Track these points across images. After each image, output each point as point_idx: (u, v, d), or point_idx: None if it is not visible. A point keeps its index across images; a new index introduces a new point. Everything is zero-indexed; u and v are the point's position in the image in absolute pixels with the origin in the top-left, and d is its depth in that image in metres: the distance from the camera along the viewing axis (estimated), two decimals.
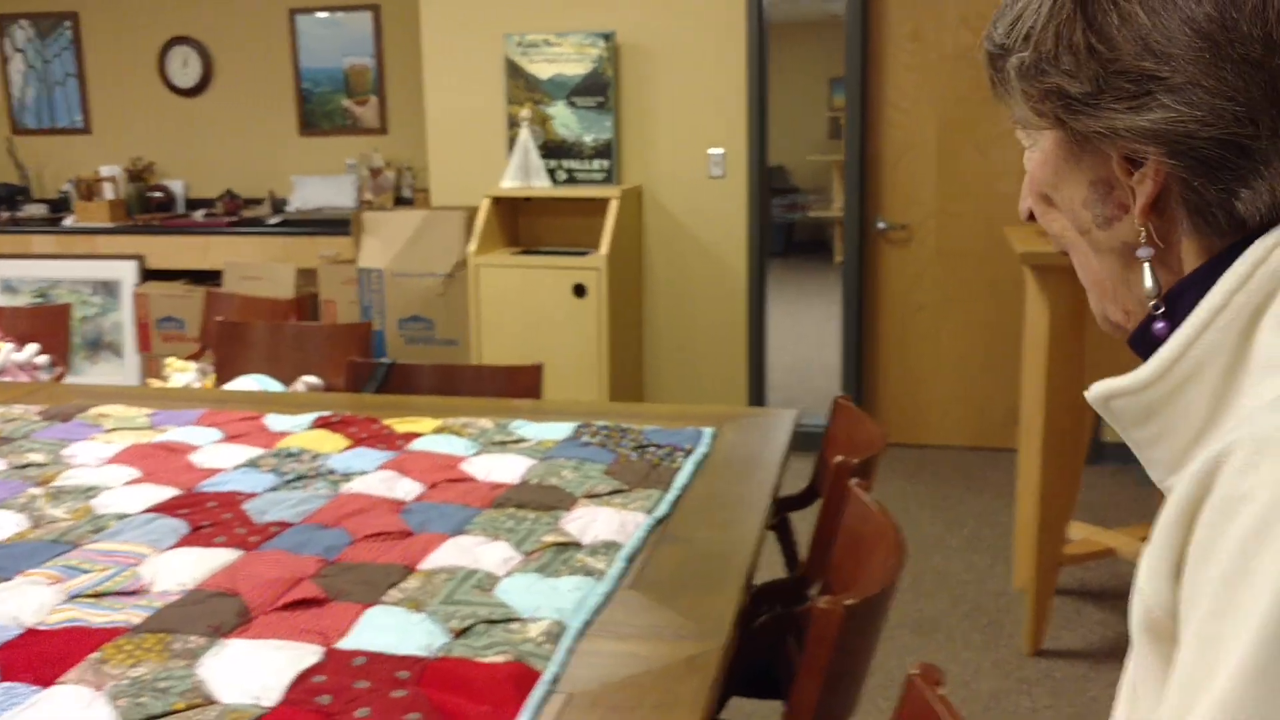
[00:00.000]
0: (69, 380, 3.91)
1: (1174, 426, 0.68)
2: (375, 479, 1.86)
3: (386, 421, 2.23)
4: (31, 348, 3.53)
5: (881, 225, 4.58)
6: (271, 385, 3.01)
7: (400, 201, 5.87)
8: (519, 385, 2.57)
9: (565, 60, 4.55)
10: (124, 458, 2.00)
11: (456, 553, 1.55)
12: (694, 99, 4.58)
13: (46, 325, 3.59)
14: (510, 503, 1.75)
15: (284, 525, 1.66)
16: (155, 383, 3.62)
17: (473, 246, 4.32)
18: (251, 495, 1.80)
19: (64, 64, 6.24)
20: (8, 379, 3.40)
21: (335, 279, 5.03)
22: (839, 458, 1.78)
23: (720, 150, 4.59)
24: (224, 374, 3.20)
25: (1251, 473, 0.57)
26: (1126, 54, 0.65)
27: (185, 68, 6.08)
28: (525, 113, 4.55)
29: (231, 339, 3.21)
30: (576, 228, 4.63)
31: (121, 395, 2.54)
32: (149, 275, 5.68)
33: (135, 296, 5.50)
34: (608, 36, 4.50)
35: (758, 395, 4.73)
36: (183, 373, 3.65)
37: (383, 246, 4.47)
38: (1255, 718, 0.53)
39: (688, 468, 1.93)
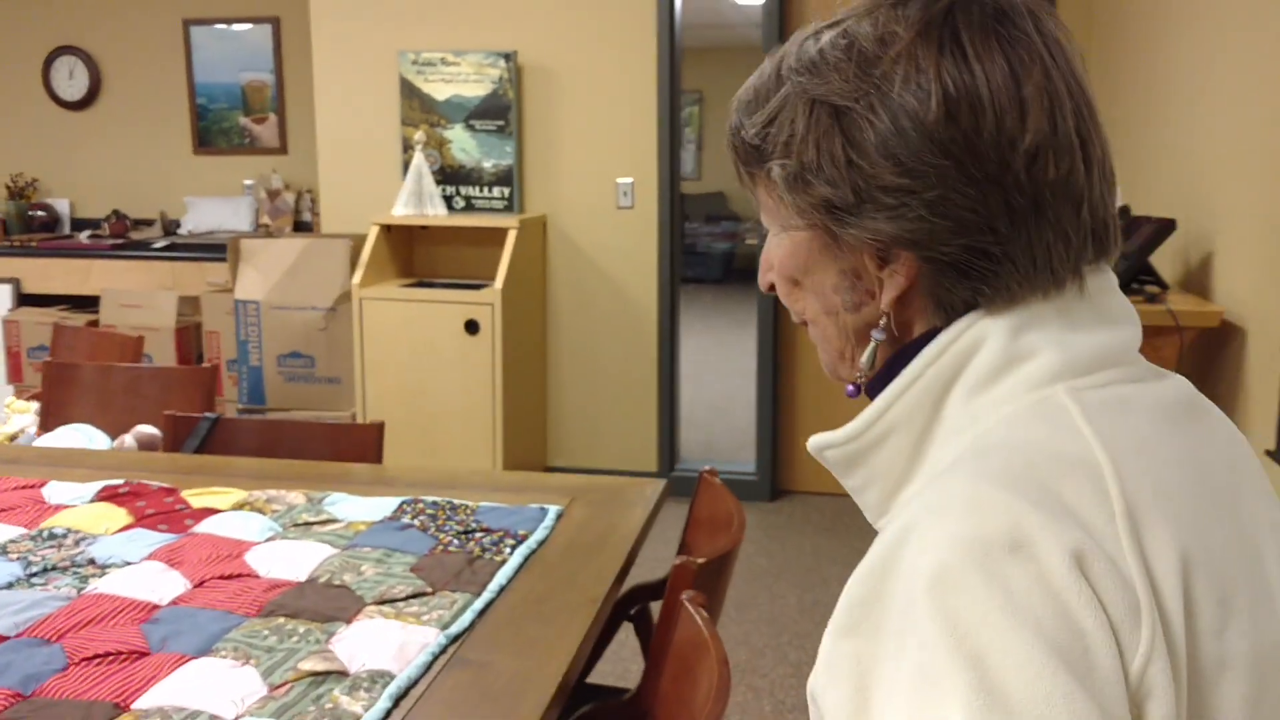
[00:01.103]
0: None
1: (876, 477, 0.78)
2: (135, 574, 1.56)
3: (186, 493, 1.93)
4: None
5: None
6: (95, 437, 2.68)
7: (300, 226, 5.56)
8: (357, 446, 2.28)
9: (463, 80, 4.27)
10: None
11: (187, 685, 1.25)
12: (602, 124, 4.33)
13: None
14: (281, 610, 1.46)
15: None
16: None
17: (357, 278, 4.02)
18: None
19: None
20: None
21: (220, 309, 4.70)
22: (680, 559, 1.51)
23: (629, 179, 4.34)
24: (51, 420, 2.88)
25: (930, 535, 0.65)
26: (882, 171, 0.71)
27: (71, 79, 5.72)
28: (420, 135, 4.26)
29: (61, 381, 2.88)
30: (474, 259, 4.35)
31: None
32: (25, 300, 5.31)
33: (4, 324, 5.13)
34: (508, 56, 4.24)
35: (669, 440, 4.47)
36: (22, 414, 3.30)
37: (261, 276, 4.15)
38: None
39: (514, 561, 1.65)
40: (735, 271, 11.05)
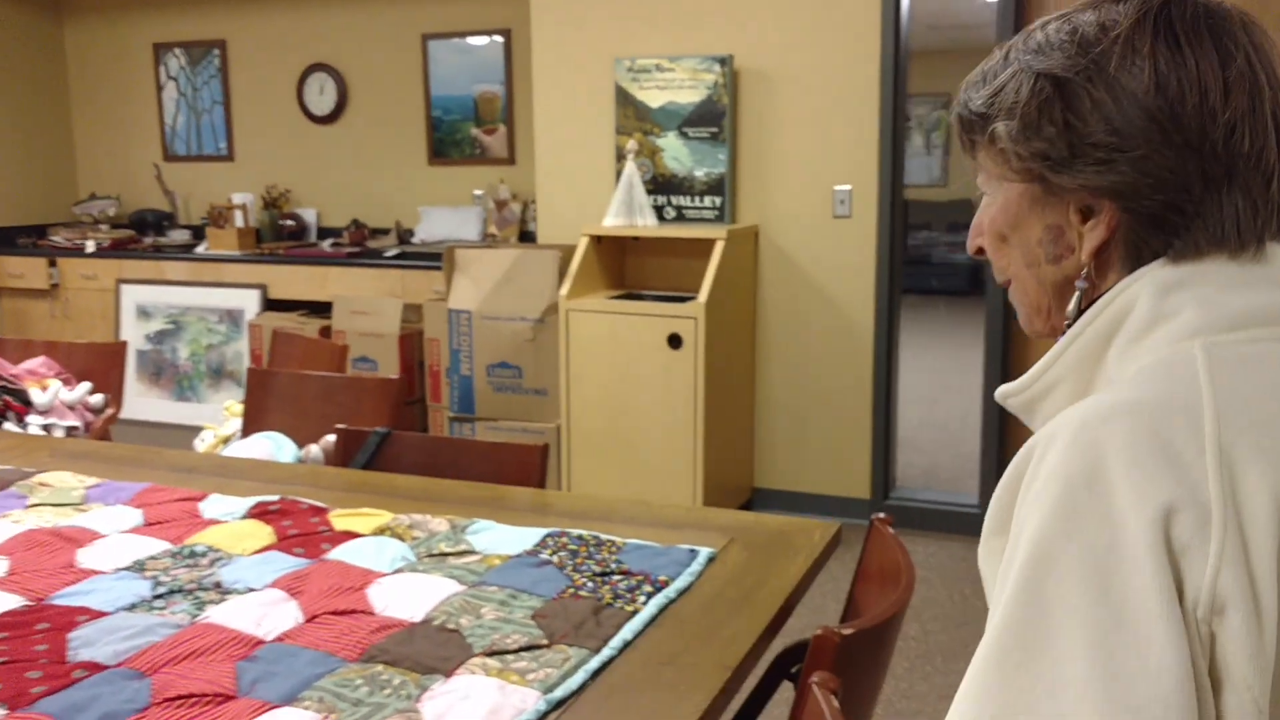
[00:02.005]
0: (124, 415, 3.77)
1: (1046, 422, 0.82)
2: (253, 602, 1.50)
3: (333, 514, 1.88)
4: (84, 386, 3.39)
5: None
6: (284, 445, 2.72)
7: (525, 236, 5.61)
8: (522, 468, 2.18)
9: (677, 87, 4.15)
10: (4, 548, 1.72)
11: None
12: (820, 129, 4.10)
13: (101, 362, 3.44)
14: (383, 656, 1.35)
15: (92, 668, 1.32)
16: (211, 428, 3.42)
17: (565, 289, 3.97)
18: (98, 615, 1.47)
19: (212, 92, 6.30)
20: (54, 419, 3.26)
21: (441, 317, 4.78)
22: (821, 630, 1.30)
23: (847, 187, 4.09)
24: (251, 425, 2.95)
25: (1044, 459, 0.76)
26: (1095, 130, 0.81)
27: (322, 95, 6.02)
28: (632, 144, 4.18)
29: (261, 387, 2.95)
30: (684, 271, 4.22)
31: (94, 454, 2.30)
32: (271, 305, 5.61)
33: (250, 327, 5.43)
34: (724, 61, 4.08)
35: (883, 465, 4.18)
36: (236, 418, 3.43)
37: (474, 286, 4.18)
38: (1003, 657, 0.72)
39: (646, 612, 1.49)
40: (980, 283, 10.44)
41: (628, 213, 4.11)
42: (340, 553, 1.70)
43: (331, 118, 6.02)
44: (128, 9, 6.41)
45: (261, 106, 6.19)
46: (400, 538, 1.78)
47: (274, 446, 2.69)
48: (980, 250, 0.93)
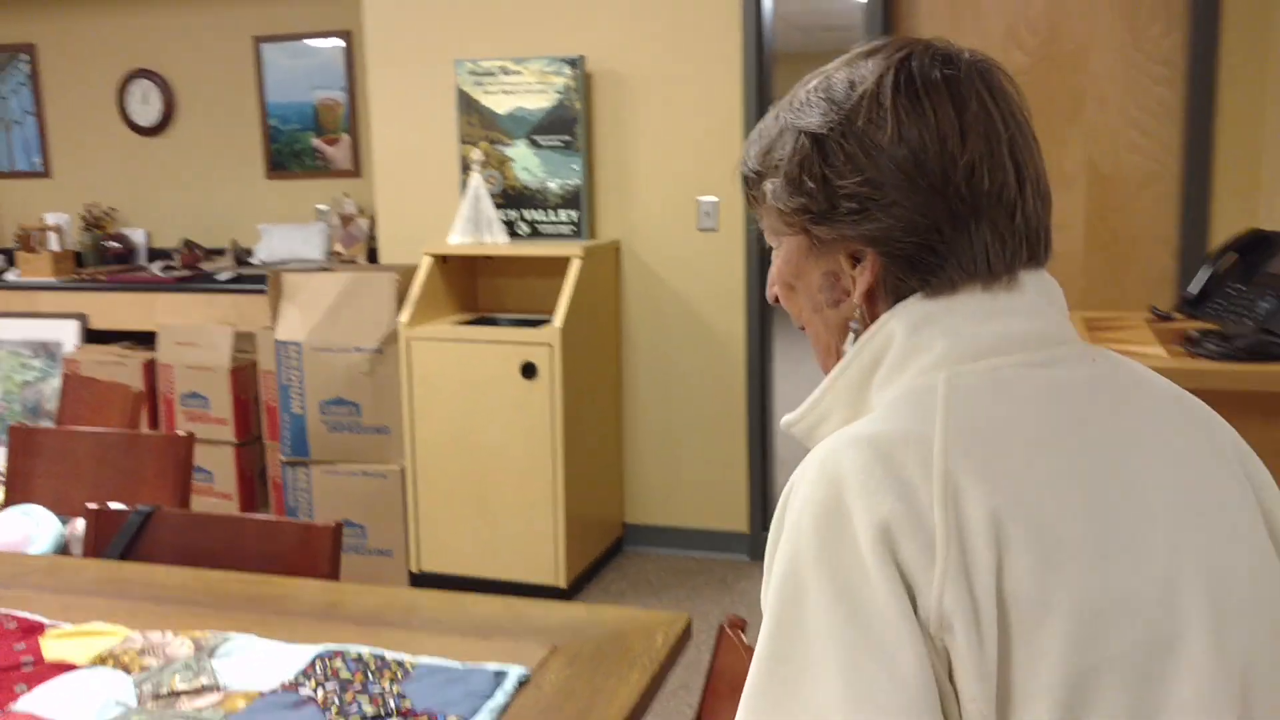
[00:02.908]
0: None
1: None
2: None
3: (48, 637, 1.47)
4: None
5: None
6: (45, 523, 2.28)
7: (374, 254, 5.18)
8: (308, 554, 1.80)
9: (525, 91, 3.80)
10: None
11: None
12: (681, 137, 3.80)
13: None
14: None
15: None
16: None
17: (405, 316, 3.57)
18: None
19: (21, 101, 5.71)
20: None
21: (273, 348, 4.33)
22: None
23: (713, 198, 3.79)
24: (15, 493, 2.49)
25: (791, 494, 0.82)
26: (849, 182, 0.86)
27: (146, 104, 5.49)
28: (478, 154, 3.81)
29: (27, 448, 2.50)
30: (541, 291, 3.86)
31: None
32: (93, 336, 5.07)
33: (64, 362, 4.88)
34: (574, 62, 3.75)
35: (761, 495, 3.89)
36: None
37: (301, 315, 3.75)
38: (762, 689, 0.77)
39: None
40: None
41: (475, 229, 3.74)
42: (35, 699, 1.31)
43: (158, 129, 5.49)
44: None
45: (80, 117, 5.63)
46: (126, 668, 1.39)
47: (31, 524, 2.24)
48: (777, 298, 0.98)
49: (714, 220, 3.80)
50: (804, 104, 0.90)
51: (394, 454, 3.69)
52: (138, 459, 2.43)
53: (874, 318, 0.88)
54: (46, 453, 2.49)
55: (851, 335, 0.90)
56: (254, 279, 4.87)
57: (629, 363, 3.96)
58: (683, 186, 3.82)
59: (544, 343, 3.43)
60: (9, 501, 2.51)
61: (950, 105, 0.85)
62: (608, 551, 3.93)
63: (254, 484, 4.55)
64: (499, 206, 3.84)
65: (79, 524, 2.30)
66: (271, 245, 5.23)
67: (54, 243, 5.30)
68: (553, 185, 3.83)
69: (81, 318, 5.07)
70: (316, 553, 1.79)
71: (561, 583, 3.54)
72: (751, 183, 0.95)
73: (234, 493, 4.58)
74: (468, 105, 3.87)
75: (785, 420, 0.95)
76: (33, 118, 5.70)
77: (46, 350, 5.14)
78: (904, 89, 0.85)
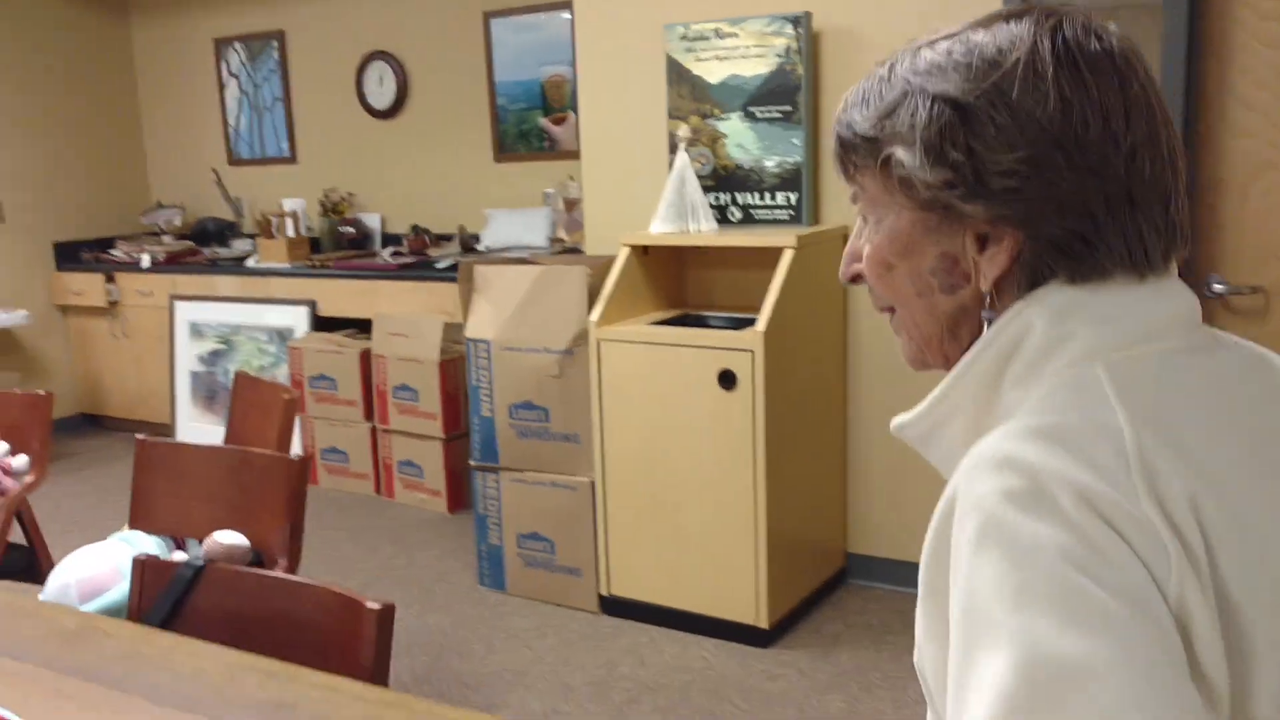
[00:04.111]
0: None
1: (948, 454, 0.85)
2: None
3: None
4: (0, 447, 2.83)
5: (1219, 287, 2.95)
6: (143, 547, 2.05)
7: None
8: (357, 638, 1.44)
9: (741, 56, 3.32)
10: None
11: None
12: None
13: (25, 415, 2.87)
14: None
15: None
16: None
17: (596, 314, 3.20)
18: None
19: (272, 88, 5.79)
20: None
21: None
22: None
23: None
24: (138, 512, 2.30)
25: (970, 492, 0.73)
26: (1001, 155, 0.78)
27: (381, 86, 5.41)
28: (684, 131, 3.37)
29: (151, 464, 2.30)
30: (755, 286, 3.38)
31: None
32: (321, 323, 5.04)
33: (289, 351, 4.86)
34: (797, 20, 3.22)
35: None
36: None
37: (493, 310, 3.45)
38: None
39: None
40: None
41: (679, 216, 3.30)
42: None
43: (392, 111, 5.41)
44: (188, 2, 5.97)
45: (322, 102, 5.64)
46: None
47: (124, 560, 2.02)
48: (856, 277, 0.90)
49: None
50: (936, 66, 0.81)
51: (583, 465, 3.33)
52: (253, 479, 2.18)
53: (1000, 305, 0.82)
54: (167, 468, 2.28)
55: (987, 324, 0.83)
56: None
57: (856, 371, 3.42)
58: None
59: (744, 348, 2.96)
60: (133, 516, 2.32)
61: (1115, 81, 0.79)
62: (826, 585, 3.42)
63: (462, 481, 4.35)
64: (708, 190, 3.39)
65: (211, 544, 2.06)
66: (496, 231, 5.02)
67: (289, 228, 5.32)
68: (769, 164, 3.34)
69: (311, 304, 5.05)
70: (362, 638, 1.42)
71: (763, 622, 3.07)
72: (857, 148, 0.85)
73: (442, 489, 4.40)
74: (677, 74, 3.43)
75: (897, 423, 0.89)
76: (281, 104, 5.77)
77: (280, 336, 5.16)
78: (1064, 59, 0.78)
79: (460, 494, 4.38)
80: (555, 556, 3.42)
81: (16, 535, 2.84)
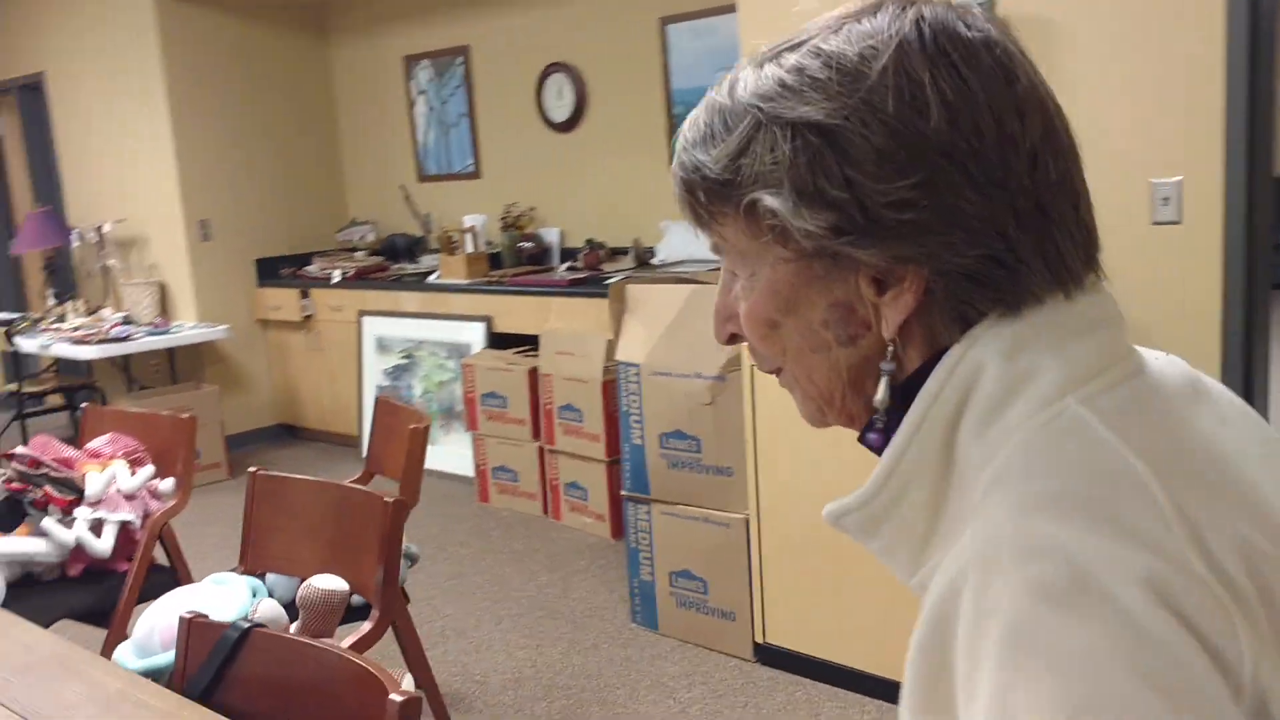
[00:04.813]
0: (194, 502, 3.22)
1: (901, 536, 0.72)
2: None
3: None
4: (145, 472, 2.84)
5: None
6: (228, 601, 1.95)
7: None
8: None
9: None
10: None
11: None
12: (1130, 97, 2.79)
13: (172, 438, 2.88)
14: None
15: None
16: None
17: None
18: None
19: (457, 104, 5.81)
20: (103, 511, 2.73)
21: None
22: None
23: (1174, 179, 2.75)
24: (248, 546, 2.21)
25: (988, 591, 0.59)
26: (887, 183, 0.65)
27: (560, 99, 5.32)
28: None
29: (266, 495, 2.21)
30: None
31: None
32: (496, 340, 4.99)
33: (463, 368, 4.82)
34: (981, 2, 2.87)
35: None
36: None
37: (644, 332, 3.25)
38: None
39: None
40: None
41: None
42: None
43: (571, 124, 5.31)
44: (381, 21, 6.08)
45: (504, 116, 5.61)
46: None
47: (222, 599, 1.92)
48: (733, 338, 0.77)
49: (1174, 210, 2.75)
50: (786, 88, 0.67)
51: (737, 500, 3.08)
52: (352, 518, 2.05)
53: (905, 354, 0.70)
54: (277, 500, 2.19)
55: (884, 381, 0.70)
56: (650, 282, 4.47)
57: None
58: (1129, 165, 2.80)
59: None
60: (243, 551, 2.24)
61: (999, 76, 0.66)
62: None
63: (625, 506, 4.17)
64: None
65: (264, 607, 1.95)
66: (671, 244, 4.83)
67: (469, 244, 5.30)
68: None
69: (487, 320, 5.01)
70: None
71: None
72: (711, 195, 0.70)
73: (606, 514, 4.24)
74: None
75: (835, 509, 0.76)
76: (466, 120, 5.78)
77: (458, 352, 5.15)
78: (938, 57, 0.65)
79: (622, 520, 4.20)
80: (708, 597, 3.18)
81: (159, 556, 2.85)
